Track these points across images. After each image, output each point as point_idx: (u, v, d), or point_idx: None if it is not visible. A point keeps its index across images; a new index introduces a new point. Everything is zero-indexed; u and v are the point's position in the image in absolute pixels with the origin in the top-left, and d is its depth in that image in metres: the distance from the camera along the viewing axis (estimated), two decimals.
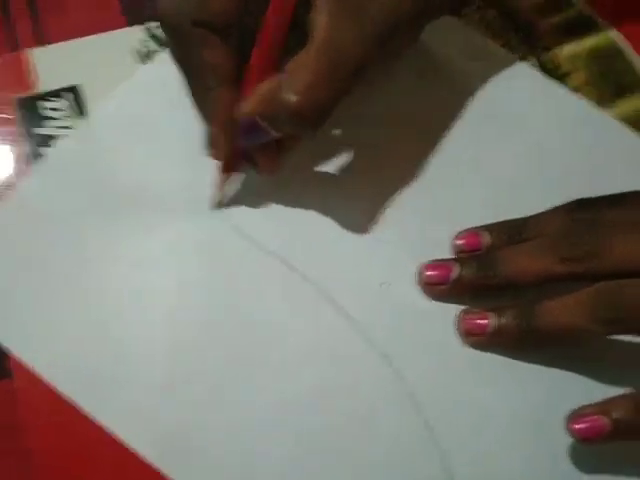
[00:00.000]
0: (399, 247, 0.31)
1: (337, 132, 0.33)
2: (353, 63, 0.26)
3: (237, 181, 0.32)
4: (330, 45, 0.26)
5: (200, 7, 0.27)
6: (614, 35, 0.38)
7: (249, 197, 0.31)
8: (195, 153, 0.30)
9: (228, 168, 0.30)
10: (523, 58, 0.37)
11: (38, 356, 0.28)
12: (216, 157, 0.29)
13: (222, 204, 0.31)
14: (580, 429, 0.25)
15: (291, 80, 0.26)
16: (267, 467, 0.27)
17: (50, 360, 0.28)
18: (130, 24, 0.36)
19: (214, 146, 0.29)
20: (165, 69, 0.30)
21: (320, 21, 0.26)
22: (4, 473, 0.27)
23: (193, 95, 0.29)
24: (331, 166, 0.33)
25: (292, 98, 0.25)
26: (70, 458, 0.27)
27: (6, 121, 0.33)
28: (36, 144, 0.32)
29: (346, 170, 0.33)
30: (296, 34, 0.27)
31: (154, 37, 0.35)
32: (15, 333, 0.28)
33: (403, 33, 0.28)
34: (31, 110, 0.33)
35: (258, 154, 0.30)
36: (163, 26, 0.28)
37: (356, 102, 0.32)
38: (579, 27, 0.38)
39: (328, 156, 0.33)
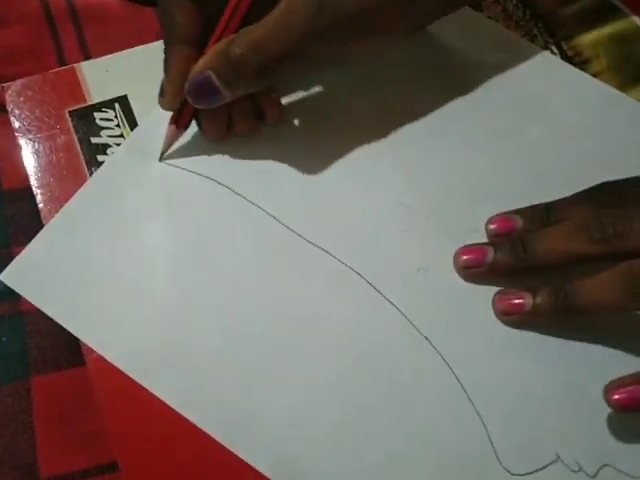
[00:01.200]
0: (434, 233, 0.33)
1: (366, 123, 0.35)
2: (299, 33, 0.29)
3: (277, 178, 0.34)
4: (283, 15, 0.29)
5: None
6: (636, 19, 0.39)
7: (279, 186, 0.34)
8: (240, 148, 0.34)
9: (177, 122, 0.33)
10: (544, 47, 0.38)
11: (108, 344, 0.30)
12: (163, 106, 0.32)
13: (168, 156, 0.34)
14: (619, 399, 0.27)
15: (240, 37, 0.29)
16: (315, 441, 0.29)
17: (119, 347, 0.30)
18: None
19: (163, 95, 0.32)
20: None
21: None
22: (82, 456, 0.29)
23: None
24: (367, 153, 0.35)
25: (237, 50, 0.29)
26: (144, 438, 0.29)
27: (63, 132, 0.35)
28: (93, 153, 0.35)
29: (380, 157, 0.34)
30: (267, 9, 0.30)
31: None
32: (86, 323, 0.30)
33: (369, 22, 0.30)
34: (87, 120, 0.35)
35: (205, 117, 0.33)
36: None
37: (386, 93, 0.35)
38: (599, 13, 0.39)
39: (365, 144, 0.35)
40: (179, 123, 0.33)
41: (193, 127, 0.34)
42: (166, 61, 0.32)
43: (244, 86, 0.31)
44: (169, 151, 0.34)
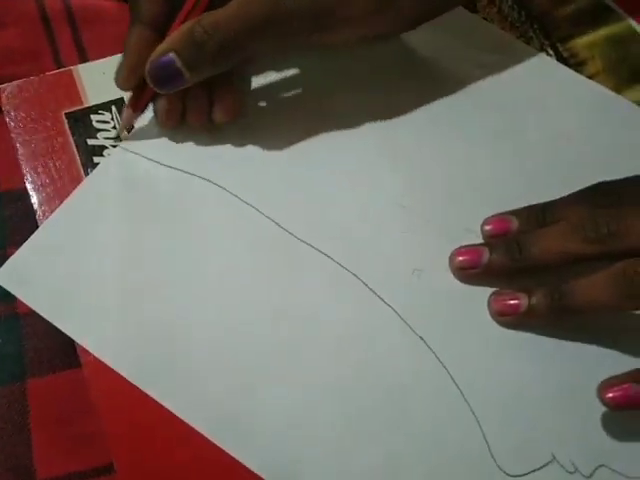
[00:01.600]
0: (430, 234, 0.33)
1: (362, 124, 0.35)
2: (262, 16, 0.29)
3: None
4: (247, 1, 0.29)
5: None
6: (631, 21, 0.39)
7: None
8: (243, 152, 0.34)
9: (134, 105, 0.33)
10: (540, 49, 0.38)
11: (103, 346, 0.30)
12: (118, 85, 0.32)
13: (125, 137, 0.34)
14: (613, 397, 0.27)
15: (204, 18, 0.30)
16: (313, 441, 0.29)
17: (114, 349, 0.30)
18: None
19: (119, 74, 0.32)
20: None
21: None
22: (78, 458, 0.29)
23: None
24: (364, 155, 0.35)
25: (199, 29, 0.30)
26: (141, 440, 0.29)
27: (59, 133, 0.35)
28: (90, 155, 0.34)
29: (377, 159, 0.34)
30: None
31: None
32: (81, 325, 0.30)
33: (336, 13, 0.30)
34: (83, 123, 0.35)
35: (160, 104, 0.33)
36: None
37: (383, 94, 0.35)
38: (594, 15, 0.39)
39: (362, 146, 0.35)
40: (135, 106, 0.33)
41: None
42: (126, 41, 0.32)
43: (206, 68, 0.31)
44: (130, 135, 0.34)
